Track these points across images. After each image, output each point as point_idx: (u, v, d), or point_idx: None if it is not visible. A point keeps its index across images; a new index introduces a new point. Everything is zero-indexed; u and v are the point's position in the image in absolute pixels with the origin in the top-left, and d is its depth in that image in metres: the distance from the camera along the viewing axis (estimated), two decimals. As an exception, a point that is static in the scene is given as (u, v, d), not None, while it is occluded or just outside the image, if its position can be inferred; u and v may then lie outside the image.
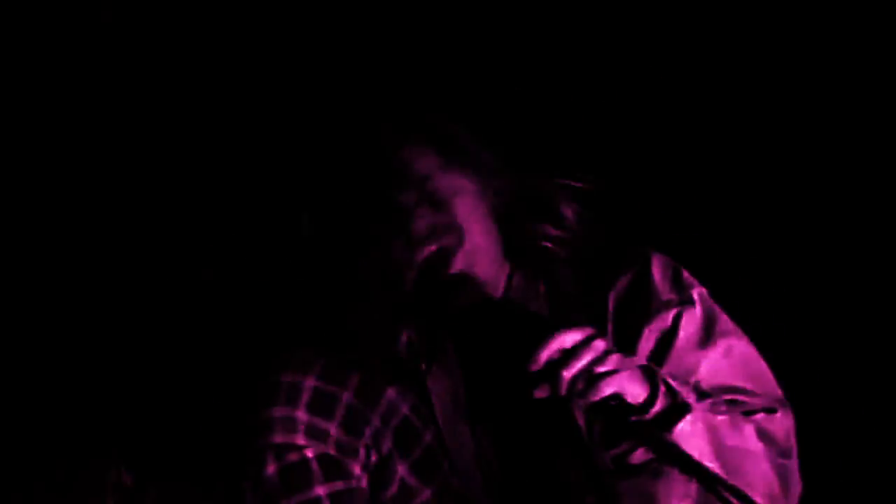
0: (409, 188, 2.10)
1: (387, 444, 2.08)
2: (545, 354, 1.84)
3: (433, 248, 2.07)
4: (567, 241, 2.16)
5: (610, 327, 2.10)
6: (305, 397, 2.05)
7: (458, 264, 2.06)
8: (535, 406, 1.93)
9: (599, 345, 1.86)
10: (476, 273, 2.06)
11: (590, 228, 2.17)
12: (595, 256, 2.15)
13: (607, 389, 1.83)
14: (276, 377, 2.06)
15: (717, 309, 2.14)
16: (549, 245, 2.15)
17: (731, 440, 1.95)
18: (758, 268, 2.80)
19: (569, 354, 1.84)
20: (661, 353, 2.08)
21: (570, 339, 1.85)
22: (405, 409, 2.10)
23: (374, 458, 2.07)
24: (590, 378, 1.83)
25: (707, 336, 2.09)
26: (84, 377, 2.64)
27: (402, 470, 2.09)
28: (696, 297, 2.12)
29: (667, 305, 2.10)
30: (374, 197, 2.11)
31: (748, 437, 1.98)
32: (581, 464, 2.04)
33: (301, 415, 2.04)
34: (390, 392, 2.09)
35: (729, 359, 2.09)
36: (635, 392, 1.88)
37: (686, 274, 2.15)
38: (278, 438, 2.04)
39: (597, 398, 1.83)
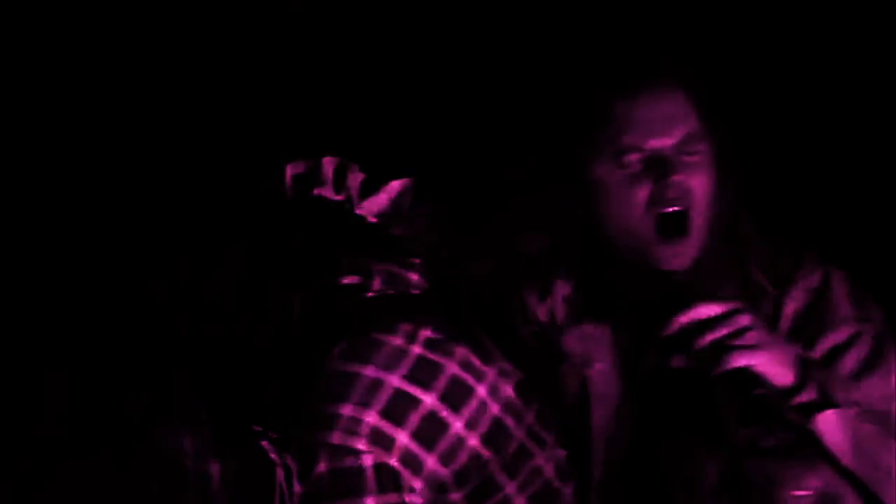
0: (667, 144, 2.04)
1: (470, 447, 1.98)
2: (681, 321, 1.82)
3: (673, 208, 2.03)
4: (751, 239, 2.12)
5: (782, 329, 2.06)
6: (383, 399, 1.94)
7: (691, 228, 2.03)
8: (673, 376, 1.96)
9: (743, 319, 1.82)
10: (697, 242, 2.04)
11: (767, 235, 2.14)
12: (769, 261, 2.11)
13: (738, 362, 1.79)
14: (359, 368, 1.95)
15: (891, 333, 2.08)
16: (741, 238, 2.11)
17: (876, 453, 1.88)
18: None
19: (704, 325, 1.82)
20: (825, 365, 2.02)
21: (710, 310, 1.82)
22: (496, 410, 2.02)
23: (448, 469, 1.98)
24: (721, 348, 1.80)
25: (875, 359, 2.03)
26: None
27: (492, 466, 2.01)
28: (875, 318, 2.07)
29: (846, 321, 2.05)
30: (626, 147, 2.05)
31: None
32: (710, 437, 2.00)
33: (370, 418, 1.93)
34: (481, 390, 2.00)
35: (889, 385, 2.01)
36: (780, 375, 1.83)
37: (867, 294, 2.10)
38: (336, 439, 1.93)
39: (725, 369, 1.79)
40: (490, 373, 2.00)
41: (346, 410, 1.93)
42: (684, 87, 2.06)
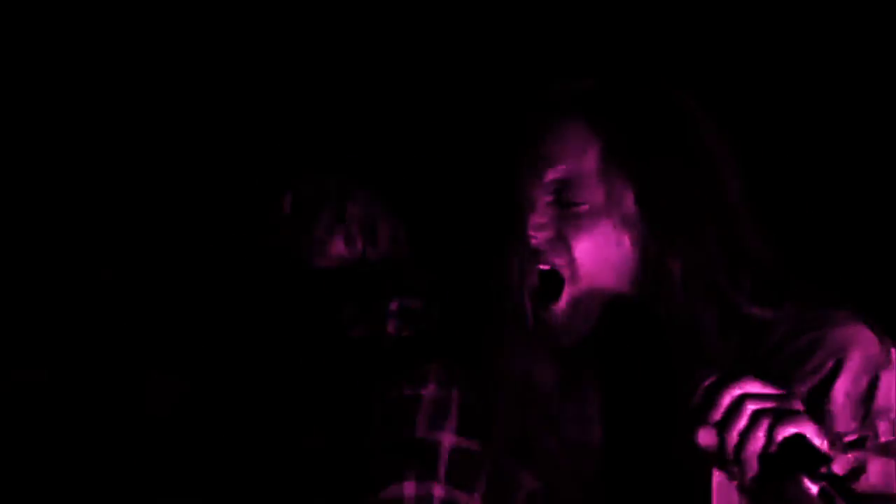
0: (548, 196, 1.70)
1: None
2: (734, 393, 1.47)
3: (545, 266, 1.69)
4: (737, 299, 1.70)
5: None
6: (443, 465, 1.77)
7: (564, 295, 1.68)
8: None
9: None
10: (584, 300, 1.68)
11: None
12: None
13: (791, 430, 1.44)
14: (403, 432, 1.79)
15: None
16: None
17: None
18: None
19: (752, 396, 1.47)
20: None
21: (754, 385, 1.48)
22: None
23: None
24: (779, 413, 1.45)
25: None
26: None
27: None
28: None
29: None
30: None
31: None
32: None
33: (438, 491, 1.77)
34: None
35: None
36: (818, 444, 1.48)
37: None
38: None
39: (785, 434, 1.43)
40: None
41: (409, 490, 1.76)
42: (587, 118, 1.70)
